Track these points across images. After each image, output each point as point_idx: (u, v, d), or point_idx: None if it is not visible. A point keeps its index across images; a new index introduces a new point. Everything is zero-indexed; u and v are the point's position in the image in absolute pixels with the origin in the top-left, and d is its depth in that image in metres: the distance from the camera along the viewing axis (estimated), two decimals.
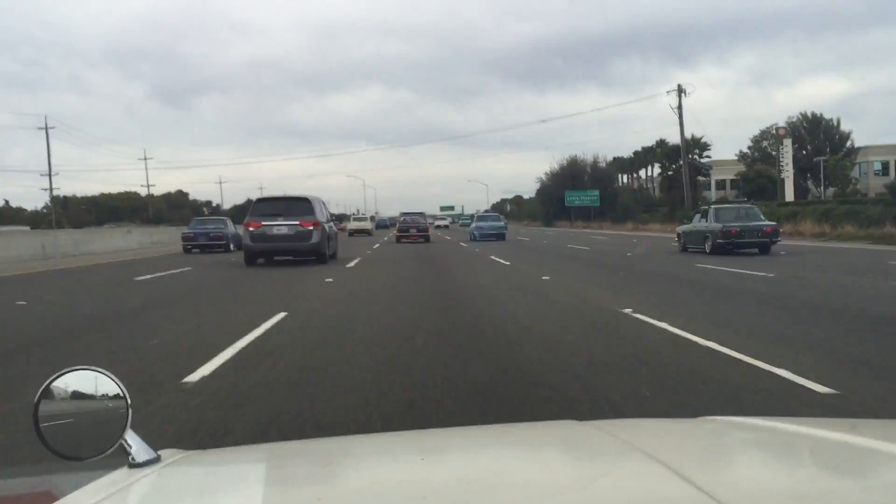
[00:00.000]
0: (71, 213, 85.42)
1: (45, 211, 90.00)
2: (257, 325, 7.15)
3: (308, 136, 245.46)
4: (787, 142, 46.24)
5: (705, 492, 0.87)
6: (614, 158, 77.59)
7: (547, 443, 1.36)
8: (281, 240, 17.21)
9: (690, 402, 4.07)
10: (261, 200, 19.14)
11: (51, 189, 58.63)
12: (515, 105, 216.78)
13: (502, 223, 36.06)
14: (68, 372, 1.21)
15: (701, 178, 63.42)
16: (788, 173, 44.51)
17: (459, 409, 4.03)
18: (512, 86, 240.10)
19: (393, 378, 4.85)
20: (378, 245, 29.64)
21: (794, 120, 63.55)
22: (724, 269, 13.84)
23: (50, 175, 57.45)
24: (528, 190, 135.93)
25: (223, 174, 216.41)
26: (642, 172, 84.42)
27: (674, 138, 63.08)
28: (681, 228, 22.36)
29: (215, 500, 1.12)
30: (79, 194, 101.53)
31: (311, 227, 17.02)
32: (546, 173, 77.02)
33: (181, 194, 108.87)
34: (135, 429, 1.21)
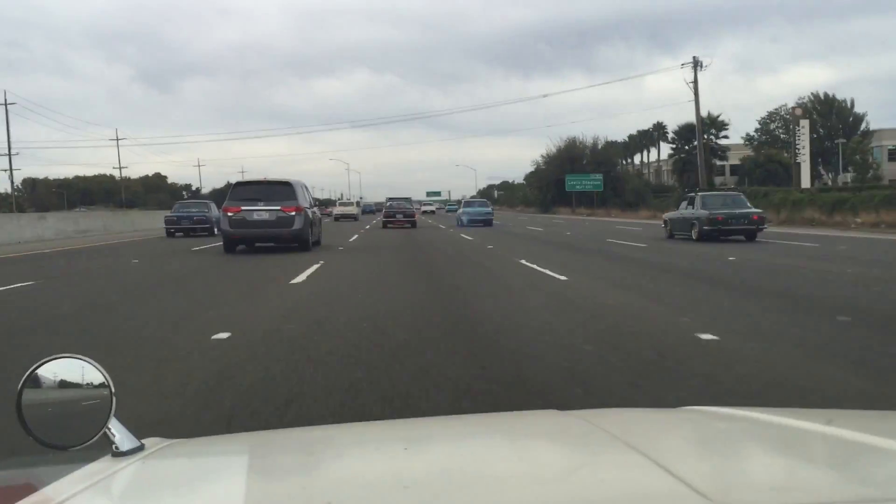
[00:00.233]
0: (39, 196, 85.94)
1: (16, 194, 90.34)
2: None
3: (293, 121, 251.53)
4: (805, 123, 44.10)
5: (684, 481, 0.91)
6: (607, 142, 75.24)
7: (529, 433, 1.43)
8: (261, 226, 16.92)
9: None
10: (240, 184, 18.61)
11: (11, 170, 57.94)
12: (501, 90, 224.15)
13: (489, 209, 36.97)
14: (52, 360, 1.24)
15: (717, 162, 59.26)
16: (805, 157, 42.84)
17: None
18: (498, 71, 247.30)
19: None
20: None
21: (805, 101, 61.86)
22: None
23: (10, 156, 56.46)
24: (515, 176, 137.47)
25: (205, 158, 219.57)
26: (637, 158, 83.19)
27: (681, 119, 61.37)
28: (667, 215, 23.00)
29: (199, 488, 1.16)
30: (54, 177, 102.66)
31: (294, 213, 16.79)
32: (542, 156, 74.97)
33: (159, 177, 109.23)
34: (119, 417, 1.24)
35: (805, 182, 43.31)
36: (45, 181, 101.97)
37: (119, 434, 1.23)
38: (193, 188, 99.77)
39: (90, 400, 1.22)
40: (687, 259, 13.73)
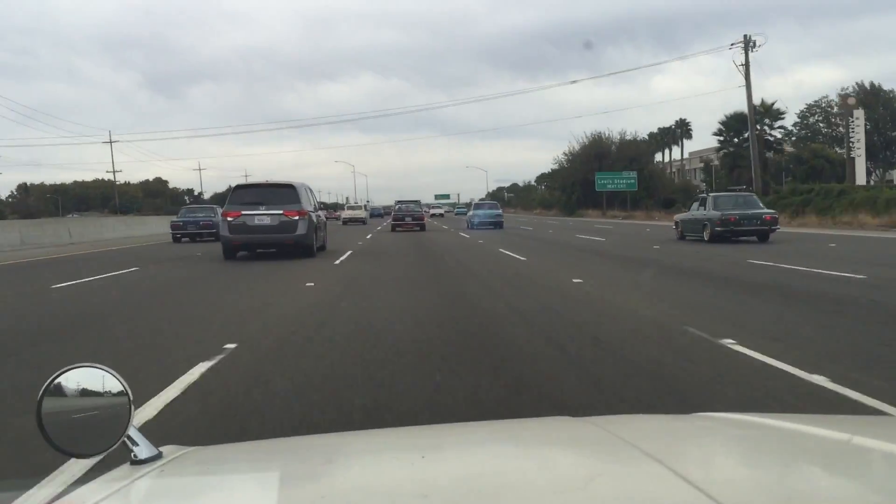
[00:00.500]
0: (31, 202, 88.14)
1: (9, 200, 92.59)
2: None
3: (300, 125, 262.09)
4: (859, 113, 42.17)
5: (701, 490, 0.97)
6: (636, 137, 70.20)
7: (544, 440, 1.49)
8: (263, 231, 16.61)
9: None
10: (240, 187, 18.09)
11: None
12: (509, 94, 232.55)
13: (499, 211, 38.21)
14: (72, 369, 1.32)
15: (771, 155, 54.02)
16: (860, 151, 40.93)
17: None
18: (505, 75, 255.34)
19: None
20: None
21: (849, 91, 59.80)
22: None
23: None
24: (524, 178, 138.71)
25: (211, 163, 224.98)
26: (657, 157, 79.97)
27: (704, 116, 62.99)
28: (678, 216, 23.61)
29: (217, 496, 1.23)
30: (52, 182, 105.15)
31: (297, 217, 16.53)
32: (564, 153, 71.65)
33: (160, 182, 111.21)
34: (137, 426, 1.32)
35: (860, 178, 41.48)
36: (41, 186, 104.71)
37: (138, 442, 1.30)
38: (196, 193, 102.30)
39: (109, 408, 1.30)
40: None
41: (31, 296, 10.83)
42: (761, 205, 21.42)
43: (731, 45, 39.39)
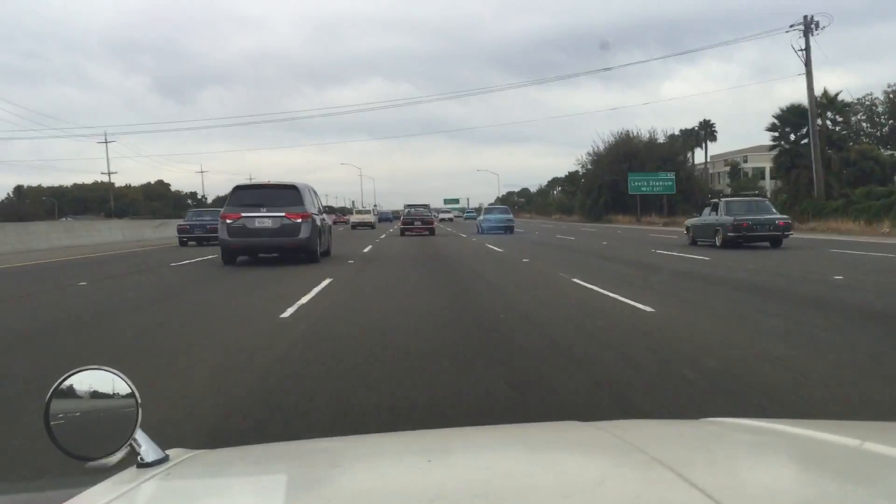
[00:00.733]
0: (30, 205, 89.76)
1: (2, 202, 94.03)
2: None
3: (308, 129, 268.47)
4: None
5: (710, 495, 1.00)
6: (670, 136, 66.64)
7: (552, 444, 1.55)
8: (264, 234, 16.27)
9: None
10: (240, 188, 17.63)
11: None
12: (517, 99, 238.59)
13: (510, 216, 39.21)
14: (79, 371, 1.38)
15: (833, 153, 50.52)
16: None
17: None
18: (513, 80, 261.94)
19: None
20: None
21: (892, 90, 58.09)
22: None
23: None
24: (533, 183, 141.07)
25: (218, 167, 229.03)
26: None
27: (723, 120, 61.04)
28: (689, 222, 24.14)
29: (223, 500, 1.29)
30: (51, 185, 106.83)
31: (300, 220, 16.20)
32: (588, 154, 68.01)
33: (161, 185, 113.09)
34: (144, 429, 1.37)
35: None
36: (39, 189, 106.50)
37: (144, 445, 1.36)
38: (200, 196, 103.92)
39: (116, 411, 1.37)
40: None
41: None
42: (774, 210, 21.91)
43: (791, 26, 36.33)
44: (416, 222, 36.12)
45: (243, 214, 16.34)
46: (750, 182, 65.18)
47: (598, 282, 11.62)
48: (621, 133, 65.06)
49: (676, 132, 69.99)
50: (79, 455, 1.34)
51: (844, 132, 46.76)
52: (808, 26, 36.02)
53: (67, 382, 1.38)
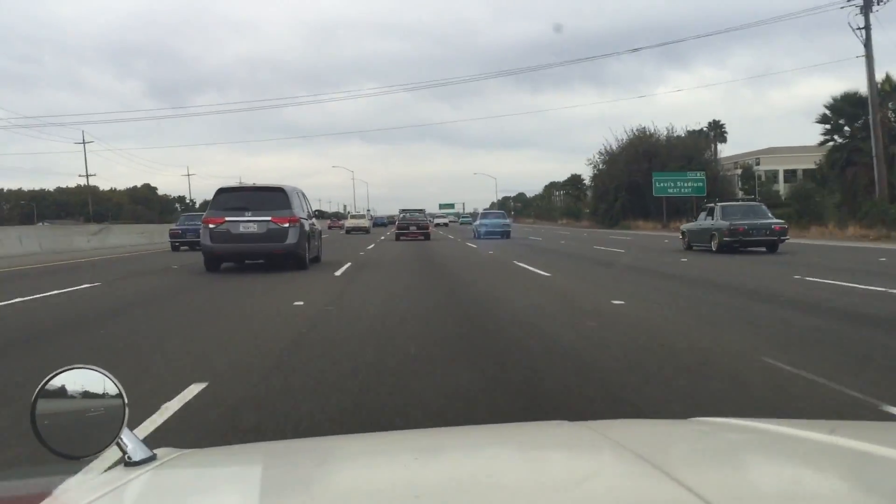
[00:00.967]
0: (9, 210, 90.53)
1: None
2: None
3: (302, 134, 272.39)
4: None
5: (695, 492, 1.05)
6: (669, 137, 62.07)
7: (539, 443, 1.61)
8: (249, 240, 15.81)
9: None
10: (224, 191, 16.94)
11: None
12: (510, 104, 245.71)
13: (507, 221, 40.28)
14: (66, 370, 1.43)
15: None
16: None
17: None
18: (508, 85, 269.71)
19: None
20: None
21: None
22: None
23: None
24: (528, 189, 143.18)
25: (211, 171, 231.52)
26: None
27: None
28: (685, 226, 24.79)
29: (210, 499, 1.34)
30: (40, 189, 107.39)
31: (287, 225, 15.78)
32: (600, 153, 64.30)
33: (148, 189, 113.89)
34: (131, 427, 1.42)
35: None
36: (18, 192, 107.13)
37: (131, 444, 1.41)
38: (188, 200, 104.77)
39: (103, 410, 1.42)
40: None
41: None
42: (770, 215, 22.37)
43: (847, 1, 32.94)
44: (412, 227, 37.01)
45: (227, 219, 15.85)
46: (764, 186, 65.57)
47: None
48: (637, 130, 60.91)
49: (682, 134, 65.01)
50: (66, 454, 1.38)
51: None
52: (869, 3, 32.97)
53: (55, 381, 1.42)
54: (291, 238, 15.95)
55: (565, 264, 18.51)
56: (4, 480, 2.07)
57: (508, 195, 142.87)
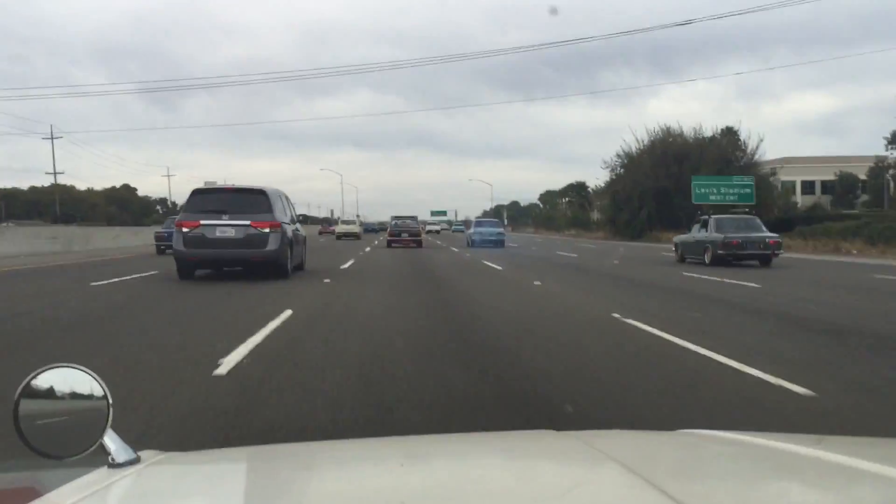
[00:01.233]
0: None
1: None
2: None
3: (293, 139, 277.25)
4: None
5: (678, 502, 1.10)
6: (725, 129, 58.13)
7: (525, 452, 1.68)
8: (226, 245, 15.11)
9: None
10: (200, 192, 16.13)
11: None
12: (504, 113, 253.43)
13: (501, 229, 41.00)
14: (50, 369, 1.47)
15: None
16: None
17: None
18: (501, 94, 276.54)
19: None
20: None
21: None
22: None
23: None
24: (521, 198, 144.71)
25: (203, 175, 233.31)
26: None
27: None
28: (678, 238, 25.35)
29: (193, 501, 1.39)
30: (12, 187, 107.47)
31: (267, 230, 15.12)
32: (618, 156, 59.14)
33: (128, 189, 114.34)
34: (115, 429, 1.45)
35: None
36: None
37: (115, 445, 1.45)
38: (170, 202, 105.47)
39: (87, 410, 1.45)
40: None
41: None
42: (764, 228, 23.03)
43: None
44: (403, 234, 37.81)
45: (202, 222, 15.22)
46: (781, 198, 64.68)
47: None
48: (662, 129, 56.06)
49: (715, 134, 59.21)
50: (49, 454, 1.41)
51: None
52: None
53: (38, 379, 1.45)
54: (272, 244, 15.31)
55: (676, 304, 12.03)
56: None
57: (502, 203, 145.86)
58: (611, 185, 61.26)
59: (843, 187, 60.33)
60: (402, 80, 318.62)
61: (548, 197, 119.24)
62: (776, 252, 22.31)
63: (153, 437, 4.38)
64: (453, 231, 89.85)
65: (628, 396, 5.52)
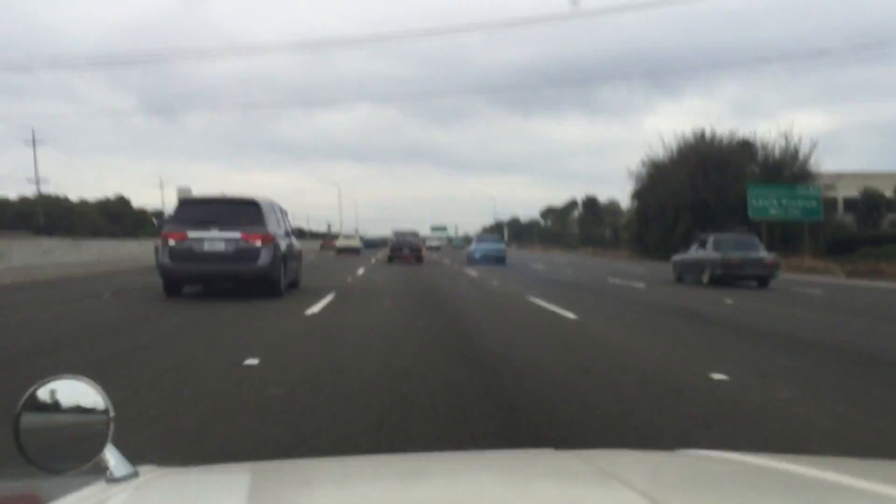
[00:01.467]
0: None
1: None
2: None
3: (293, 153, 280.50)
4: None
5: None
6: (734, 143, 52.78)
7: (525, 470, 1.72)
8: (214, 260, 14.49)
9: None
10: (187, 202, 15.63)
11: None
12: (503, 128, 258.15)
13: (502, 246, 42.02)
14: (52, 380, 1.51)
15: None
16: None
17: None
18: (499, 109, 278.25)
19: None
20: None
21: None
22: None
23: None
24: (522, 214, 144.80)
25: (200, 188, 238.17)
26: None
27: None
28: (676, 258, 25.89)
29: None
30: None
31: (259, 243, 14.52)
32: (643, 161, 54.29)
33: (122, 201, 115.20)
34: (115, 443, 1.49)
35: None
36: None
37: (114, 460, 1.49)
38: (163, 214, 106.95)
39: (88, 423, 1.50)
40: None
41: None
42: (763, 248, 23.48)
43: None
44: (405, 249, 39.35)
45: (190, 234, 14.63)
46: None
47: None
48: (696, 133, 51.14)
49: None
50: (48, 468, 1.46)
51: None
52: None
53: (39, 391, 1.51)
54: (264, 259, 14.68)
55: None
56: None
57: (501, 219, 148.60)
58: (636, 197, 55.90)
59: (866, 205, 55.04)
60: (400, 93, 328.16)
61: (549, 213, 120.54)
62: (774, 273, 22.99)
63: None
64: (454, 247, 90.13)
65: None
